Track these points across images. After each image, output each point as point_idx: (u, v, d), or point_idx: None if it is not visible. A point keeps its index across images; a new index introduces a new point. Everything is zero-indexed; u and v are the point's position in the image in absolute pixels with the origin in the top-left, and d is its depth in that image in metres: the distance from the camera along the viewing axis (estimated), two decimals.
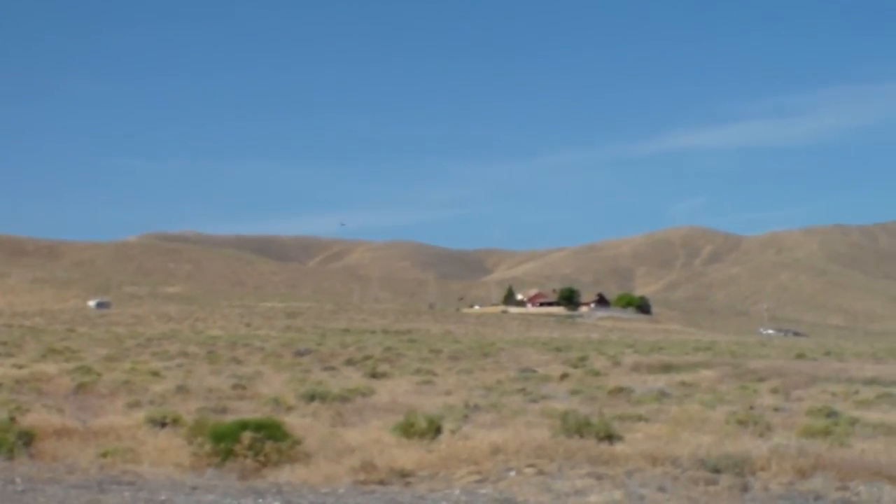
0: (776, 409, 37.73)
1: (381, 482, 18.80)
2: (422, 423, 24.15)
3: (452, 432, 24.28)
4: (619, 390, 45.20)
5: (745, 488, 17.47)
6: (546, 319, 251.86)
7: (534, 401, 40.07)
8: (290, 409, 32.67)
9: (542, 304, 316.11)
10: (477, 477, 18.80)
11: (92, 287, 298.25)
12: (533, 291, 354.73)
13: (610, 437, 24.10)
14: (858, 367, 73.95)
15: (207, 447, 21.21)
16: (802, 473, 18.35)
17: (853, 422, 30.90)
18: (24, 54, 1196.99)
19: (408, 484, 18.81)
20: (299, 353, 79.23)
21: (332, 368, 62.38)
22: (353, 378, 52.25)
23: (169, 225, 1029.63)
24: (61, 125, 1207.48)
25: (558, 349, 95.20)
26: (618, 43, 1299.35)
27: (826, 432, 27.02)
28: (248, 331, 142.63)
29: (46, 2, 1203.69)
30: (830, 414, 34.37)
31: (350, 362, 69.32)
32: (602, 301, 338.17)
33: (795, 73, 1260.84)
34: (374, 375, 54.48)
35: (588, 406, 36.66)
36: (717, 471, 18.59)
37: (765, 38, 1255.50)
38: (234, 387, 41.22)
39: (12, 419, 25.22)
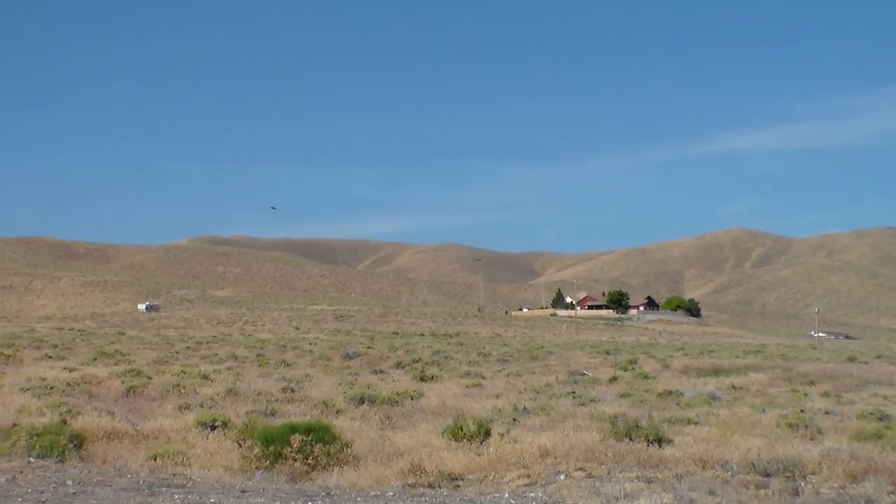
0: (827, 413, 37.50)
1: (430, 486, 18.81)
2: (471, 427, 24.15)
3: (501, 435, 24.26)
4: (669, 393, 45.05)
5: (795, 492, 17.37)
6: (595, 322, 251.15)
7: (583, 404, 40.00)
8: (339, 412, 32.74)
9: (590, 307, 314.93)
10: (526, 480, 18.78)
11: (142, 290, 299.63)
12: (582, 294, 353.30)
13: (659, 441, 24.01)
14: None
15: (257, 450, 21.29)
16: (854, 477, 18.23)
17: None
18: (73, 57, 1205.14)
19: (457, 487, 18.81)
20: (348, 357, 79.31)
21: (381, 372, 62.42)
22: (402, 381, 52.27)
23: (219, 228, 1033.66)
24: (112, 129, 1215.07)
25: (607, 352, 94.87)
26: (667, 44, 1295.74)
27: (877, 436, 26.80)
28: (297, 334, 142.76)
29: (97, 5, 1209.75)
30: (882, 417, 34.16)
31: (399, 365, 69.31)
32: (651, 304, 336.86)
33: (846, 73, 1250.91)
34: (422, 378, 54.43)
35: (637, 409, 36.57)
36: (767, 474, 18.49)
37: (815, 38, 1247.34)
38: (284, 390, 41.30)
39: (63, 422, 25.43)
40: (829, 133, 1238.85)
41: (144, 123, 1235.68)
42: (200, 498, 16.45)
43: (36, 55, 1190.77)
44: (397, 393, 39.49)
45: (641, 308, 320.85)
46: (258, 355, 78.06)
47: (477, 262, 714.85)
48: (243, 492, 17.42)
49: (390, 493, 17.54)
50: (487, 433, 24.23)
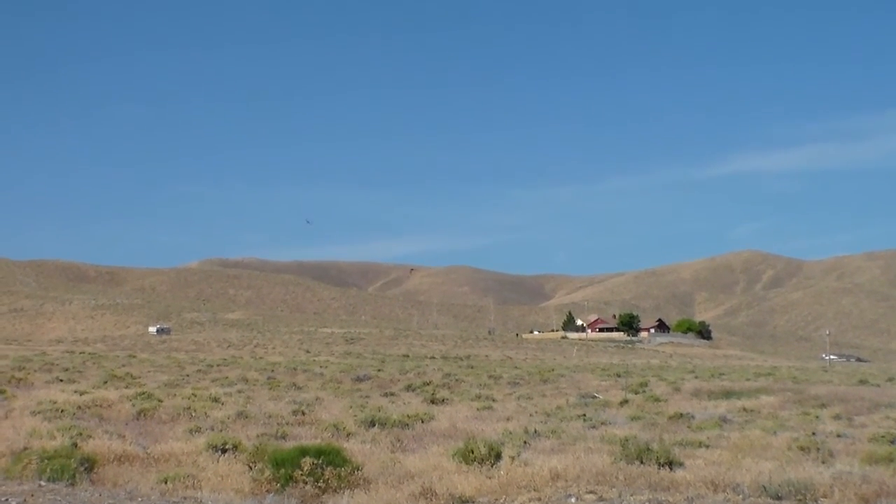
0: (838, 436, 37.42)
1: None
2: (482, 449, 24.12)
3: (512, 458, 24.23)
4: (680, 416, 44.99)
5: None
6: (606, 345, 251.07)
7: (593, 427, 39.95)
8: (349, 434, 32.73)
9: (601, 330, 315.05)
10: (537, 503, 18.76)
11: (153, 313, 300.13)
12: (592, 317, 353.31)
13: (670, 464, 23.97)
14: None
15: (267, 473, 21.28)
16: (866, 501, 18.18)
17: None
18: (83, 79, 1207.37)
19: None
20: (359, 379, 79.33)
21: (392, 394, 62.41)
22: (413, 404, 52.25)
23: (229, 251, 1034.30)
24: (123, 151, 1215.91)
25: (618, 375, 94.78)
26: (678, 66, 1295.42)
27: (889, 459, 26.73)
28: (307, 357, 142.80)
29: (107, 27, 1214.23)
30: (894, 440, 34.07)
31: (409, 388, 69.30)
32: (662, 326, 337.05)
33: (858, 95, 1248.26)
34: (433, 401, 54.42)
35: (648, 432, 36.52)
36: (779, 497, 18.45)
37: (827, 59, 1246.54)
38: (294, 413, 41.30)
39: (74, 445, 25.44)
40: (840, 155, 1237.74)
41: (155, 146, 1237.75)
42: None
43: (48, 78, 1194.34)
44: (408, 416, 39.45)
45: (652, 330, 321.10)
46: (269, 378, 78.13)
47: (487, 285, 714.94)
48: None
49: None
50: (498, 456, 24.21)
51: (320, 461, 21.17)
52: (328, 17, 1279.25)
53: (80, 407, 40.39)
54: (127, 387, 61.05)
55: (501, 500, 19.28)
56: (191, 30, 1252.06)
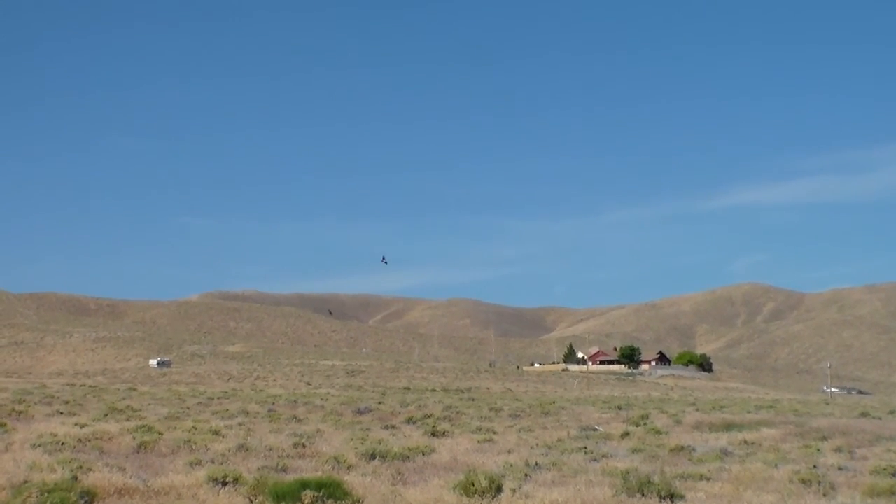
0: (840, 469, 37.39)
1: None
2: (482, 482, 24.11)
3: (513, 491, 24.22)
4: (681, 449, 44.93)
5: None
6: (607, 377, 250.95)
7: (594, 459, 39.89)
8: (350, 467, 32.70)
9: (602, 363, 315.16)
10: None
11: (153, 346, 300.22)
12: (593, 349, 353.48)
13: (671, 497, 23.96)
14: None
15: None
16: None
17: None
18: (84, 111, 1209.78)
19: None
20: (359, 412, 79.20)
21: (393, 427, 62.26)
22: (414, 436, 52.16)
23: (230, 284, 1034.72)
24: (123, 184, 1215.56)
25: (619, 407, 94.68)
26: (678, 98, 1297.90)
27: (891, 492, 26.74)
28: (308, 389, 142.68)
29: (106, 58, 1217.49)
30: (895, 473, 34.03)
31: (410, 421, 69.15)
32: (663, 359, 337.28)
33: (858, 128, 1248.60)
34: (434, 434, 54.32)
35: (649, 465, 36.48)
36: None
37: (828, 93, 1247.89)
38: (295, 445, 41.22)
39: (74, 478, 25.43)
40: (840, 187, 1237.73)
41: (155, 179, 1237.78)
42: None
43: (48, 110, 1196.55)
44: (409, 448, 39.40)
45: (653, 363, 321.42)
46: (269, 411, 77.99)
47: (488, 317, 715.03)
48: None
49: None
50: (499, 489, 24.20)
51: (321, 494, 21.17)
52: (322, 47, 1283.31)
53: (80, 440, 40.36)
54: (127, 419, 60.96)
55: None
56: (192, 63, 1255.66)
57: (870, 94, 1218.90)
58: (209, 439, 43.06)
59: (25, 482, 23.64)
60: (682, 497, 24.71)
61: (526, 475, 31.56)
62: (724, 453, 43.71)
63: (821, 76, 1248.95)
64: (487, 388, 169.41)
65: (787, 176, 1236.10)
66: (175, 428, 52.13)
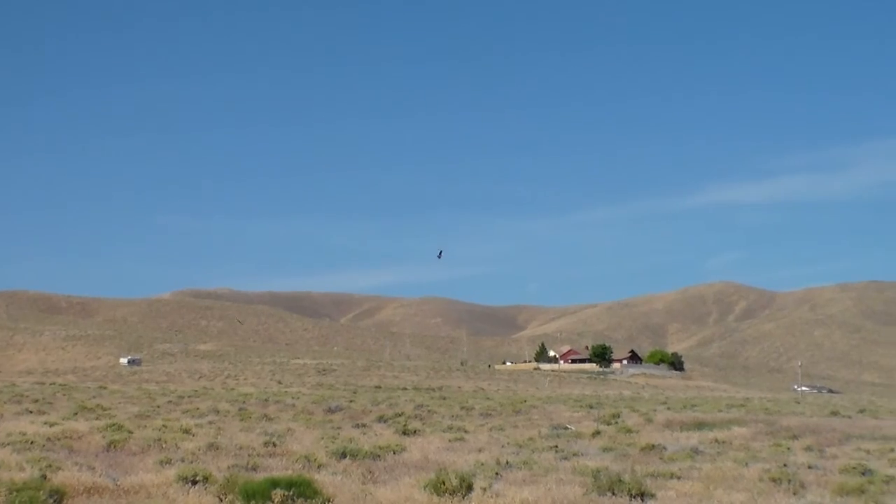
0: (810, 467, 37.52)
1: None
2: (453, 481, 24.09)
3: (484, 490, 24.21)
4: (652, 447, 45.01)
5: None
6: (578, 376, 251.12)
7: (565, 458, 39.93)
8: (321, 466, 32.64)
9: (574, 361, 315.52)
10: None
11: (124, 344, 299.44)
12: (565, 348, 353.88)
13: (642, 495, 23.99)
14: (893, 424, 73.57)
15: None
16: None
17: (888, 480, 30.70)
18: (59, 111, 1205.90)
19: None
20: (330, 410, 79.10)
21: (364, 426, 62.19)
22: (385, 435, 52.10)
23: (202, 282, 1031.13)
24: (96, 182, 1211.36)
25: (590, 406, 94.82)
26: (654, 97, 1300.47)
27: (860, 490, 26.83)
28: (279, 388, 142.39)
29: (82, 58, 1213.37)
30: (865, 472, 34.18)
31: (381, 419, 69.12)
32: (634, 357, 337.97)
33: (832, 127, 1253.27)
34: (405, 432, 54.28)
35: (620, 463, 36.52)
36: None
37: (803, 91, 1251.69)
38: (266, 444, 41.14)
39: (43, 477, 25.31)
40: (813, 187, 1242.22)
41: (128, 176, 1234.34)
42: None
43: (22, 109, 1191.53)
44: (379, 447, 39.37)
45: (625, 362, 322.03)
46: (240, 409, 77.78)
47: (460, 316, 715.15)
48: None
49: None
50: (470, 487, 24.17)
51: (291, 493, 21.12)
52: (306, 46, 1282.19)
53: (49, 438, 40.21)
54: (97, 418, 60.70)
55: None
56: (169, 61, 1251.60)
57: (844, 95, 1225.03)
58: (179, 438, 42.92)
59: None
60: (652, 496, 24.74)
61: (497, 474, 31.55)
62: (694, 452, 43.80)
63: (796, 76, 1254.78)
64: (459, 387, 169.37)
65: (760, 175, 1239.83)
66: (145, 426, 51.95)
